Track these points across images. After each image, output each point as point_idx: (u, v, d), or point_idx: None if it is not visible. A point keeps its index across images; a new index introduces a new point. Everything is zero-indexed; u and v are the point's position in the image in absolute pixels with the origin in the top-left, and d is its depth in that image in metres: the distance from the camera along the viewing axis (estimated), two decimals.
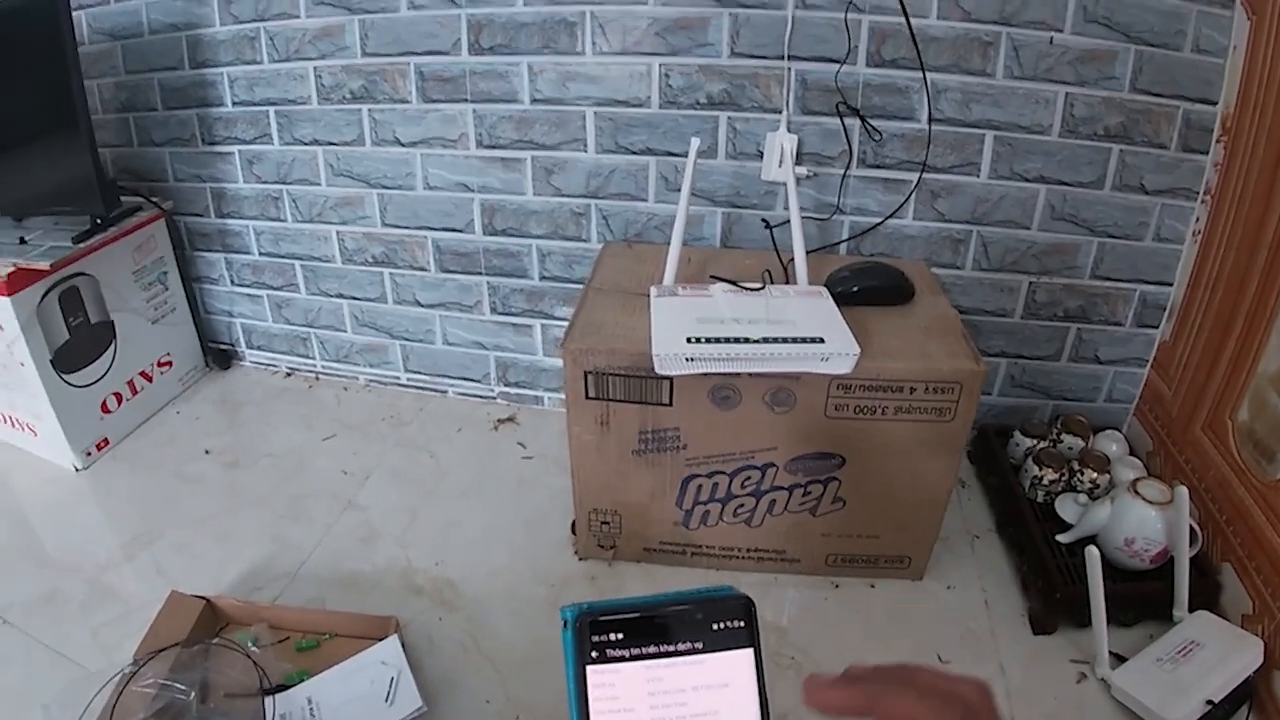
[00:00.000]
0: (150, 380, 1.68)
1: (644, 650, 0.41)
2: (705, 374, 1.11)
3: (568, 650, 0.41)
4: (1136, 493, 1.22)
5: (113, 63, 1.64)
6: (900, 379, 1.12)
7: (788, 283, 1.29)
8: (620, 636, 0.41)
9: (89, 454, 1.57)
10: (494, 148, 1.49)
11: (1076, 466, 1.38)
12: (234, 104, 1.59)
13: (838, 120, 1.37)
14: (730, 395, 1.15)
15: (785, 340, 1.09)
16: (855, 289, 1.26)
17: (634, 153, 1.44)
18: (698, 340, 1.09)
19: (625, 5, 1.35)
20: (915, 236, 1.45)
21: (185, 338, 1.77)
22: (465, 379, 1.75)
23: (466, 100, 1.46)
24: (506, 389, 1.75)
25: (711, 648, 0.42)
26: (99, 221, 1.51)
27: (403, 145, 1.52)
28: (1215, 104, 1.30)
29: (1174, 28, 1.26)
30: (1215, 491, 1.28)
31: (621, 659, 0.41)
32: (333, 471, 1.53)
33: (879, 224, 1.44)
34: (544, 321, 1.65)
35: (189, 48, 1.57)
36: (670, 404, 1.16)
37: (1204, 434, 1.32)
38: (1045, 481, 1.37)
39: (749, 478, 1.22)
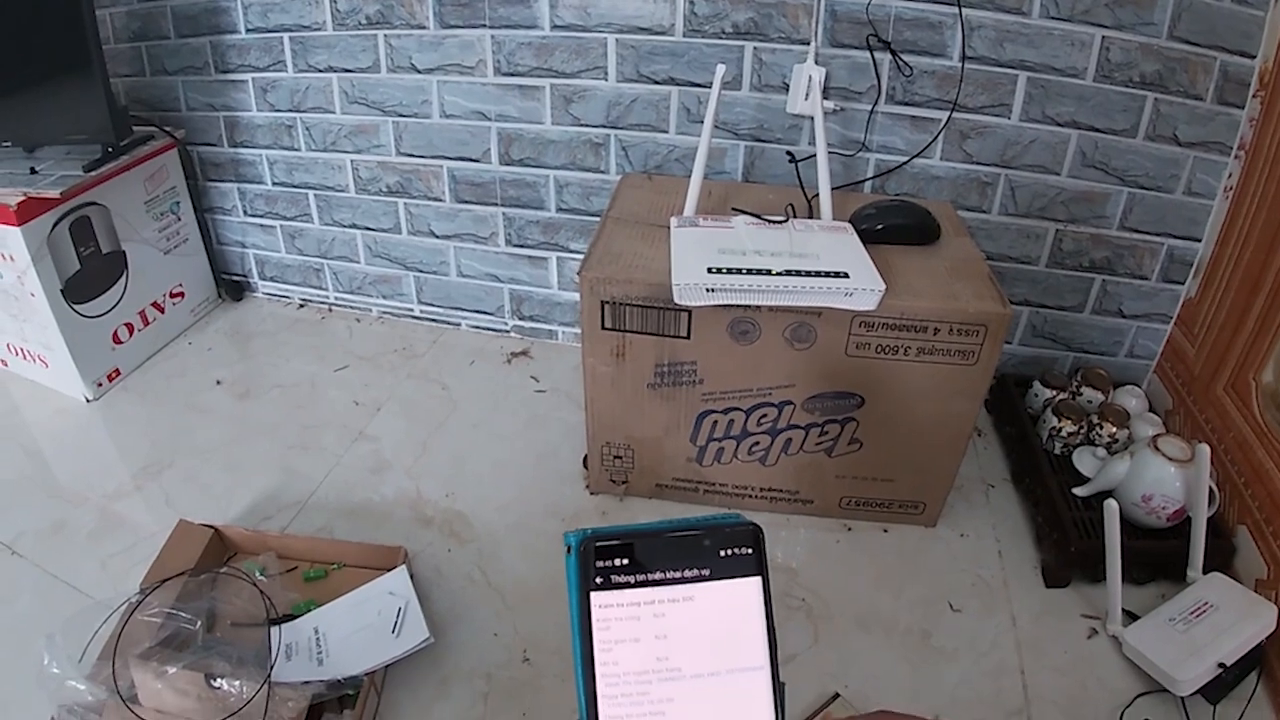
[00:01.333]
0: (162, 311, 1.64)
1: (649, 576, 0.39)
2: (725, 306, 1.06)
3: (571, 575, 0.39)
4: (1157, 449, 1.17)
5: None
6: (924, 318, 1.07)
7: (811, 218, 1.23)
8: (625, 562, 0.39)
9: (100, 385, 1.53)
10: (512, 75, 1.42)
11: (1095, 420, 1.33)
12: (248, 31, 1.52)
13: (867, 54, 1.29)
14: (750, 329, 1.09)
15: (809, 274, 1.04)
16: (880, 226, 1.20)
17: (656, 82, 1.38)
18: (719, 271, 1.04)
19: None
20: (942, 177, 1.38)
21: (197, 269, 1.72)
22: (479, 311, 1.71)
23: (485, 26, 1.39)
24: (521, 322, 1.70)
25: (718, 574, 0.39)
26: (110, 150, 1.45)
27: (419, 72, 1.46)
28: (1254, 57, 1.22)
29: None
30: (1235, 453, 1.23)
31: (626, 585, 0.38)
32: (344, 402, 1.49)
33: (905, 163, 1.37)
34: (560, 254, 1.60)
35: None
36: (688, 337, 1.11)
37: (1226, 394, 1.27)
38: (1063, 433, 1.32)
39: (765, 415, 1.18)
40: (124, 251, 1.53)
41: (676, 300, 1.04)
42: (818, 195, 1.22)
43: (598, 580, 0.38)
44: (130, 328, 1.57)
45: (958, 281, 1.12)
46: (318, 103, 1.55)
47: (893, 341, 1.09)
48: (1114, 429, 1.31)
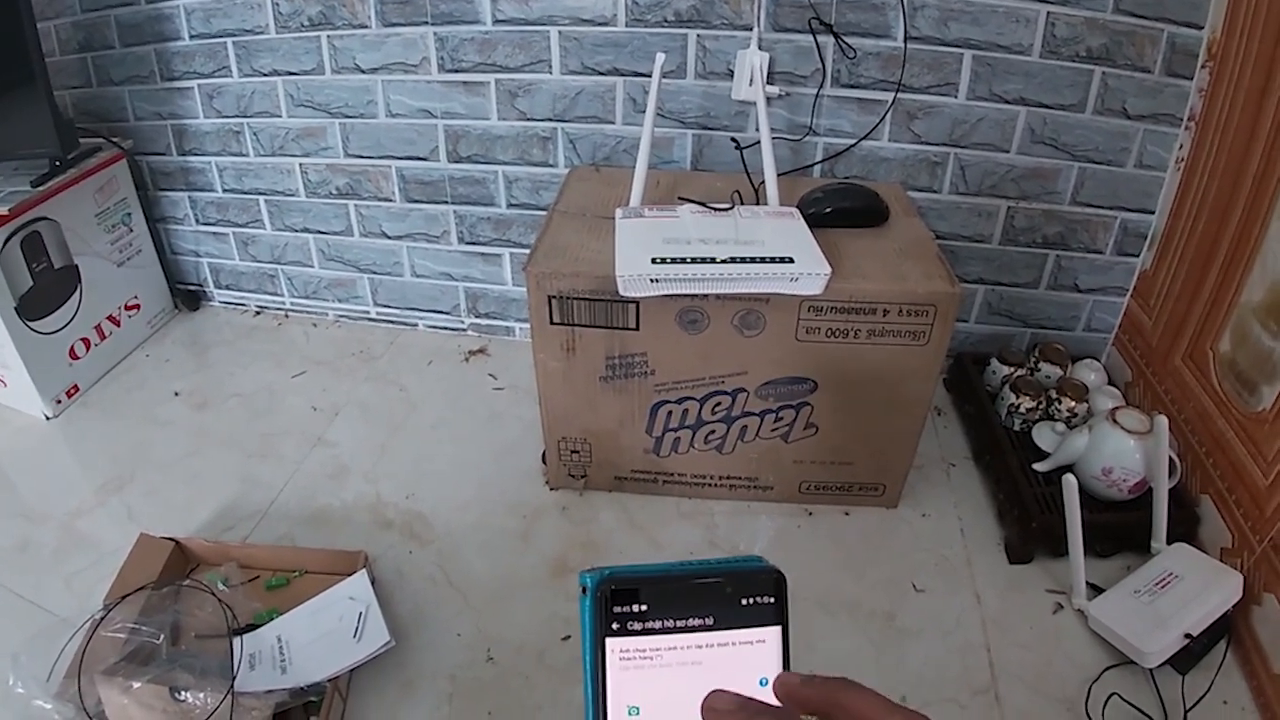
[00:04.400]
0: (118, 324, 1.61)
1: (667, 623, 0.37)
2: (671, 296, 1.04)
3: (586, 619, 0.37)
4: (1115, 422, 1.17)
5: (67, 2, 1.54)
6: (873, 300, 1.06)
7: (759, 204, 1.22)
8: (643, 608, 0.37)
9: (59, 401, 1.50)
10: (456, 71, 1.40)
11: (1054, 395, 1.33)
12: (191, 37, 1.49)
13: (810, 38, 1.28)
14: (698, 318, 1.08)
15: (754, 260, 1.03)
16: (828, 210, 1.19)
17: (600, 73, 1.36)
18: (663, 261, 1.02)
19: None
20: (891, 159, 1.37)
21: (152, 280, 1.69)
22: (435, 311, 1.69)
23: (427, 23, 1.36)
24: (477, 320, 1.68)
25: (739, 623, 0.37)
26: (57, 164, 1.42)
27: (363, 72, 1.43)
28: (1201, 28, 1.22)
29: None
30: (1195, 423, 1.22)
31: (643, 631, 0.37)
32: (302, 409, 1.47)
33: (853, 145, 1.36)
34: (513, 250, 1.58)
35: None
36: (637, 328, 1.10)
37: (1184, 364, 1.27)
38: (1022, 409, 1.31)
39: (719, 403, 1.16)
40: (76, 266, 1.50)
41: (621, 292, 1.03)
42: (764, 182, 1.20)
43: (614, 626, 0.36)
44: (87, 343, 1.54)
45: (906, 262, 1.11)
46: (264, 107, 1.52)
47: (842, 325, 1.08)
48: (1073, 403, 1.31)
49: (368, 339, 1.68)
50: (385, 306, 1.71)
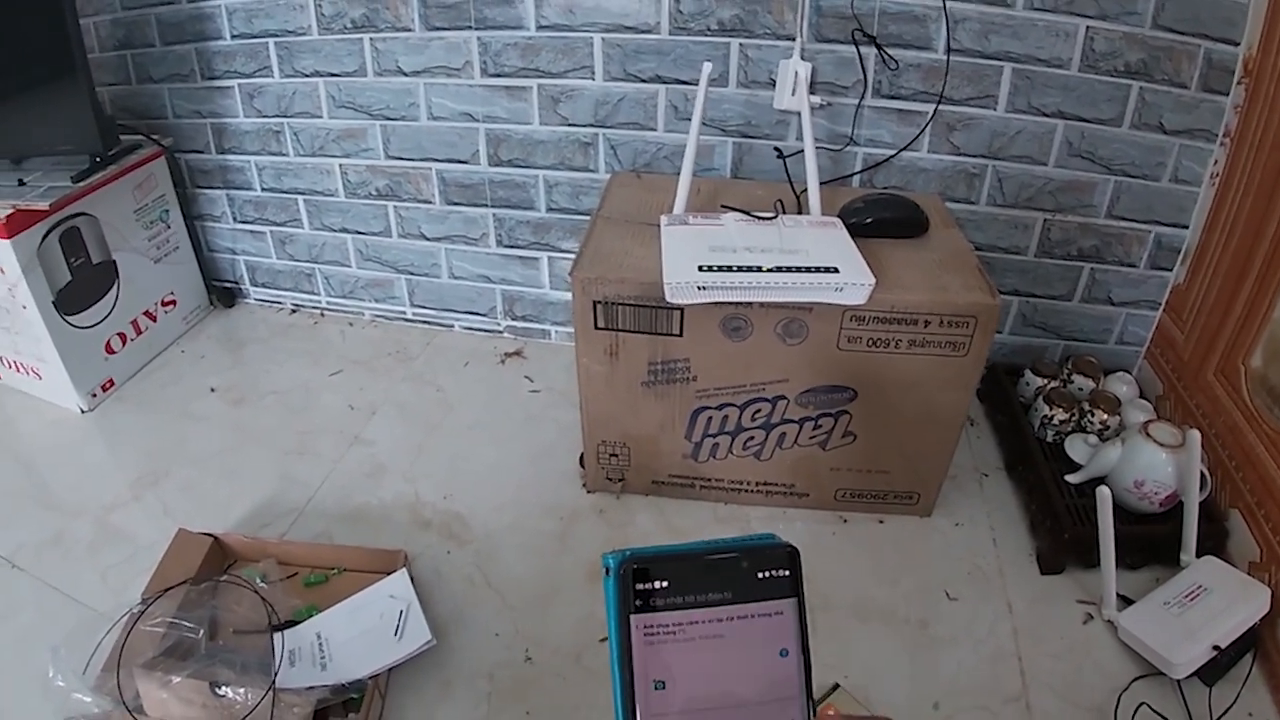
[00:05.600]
0: (154, 320, 1.64)
1: (688, 598, 0.39)
2: (717, 304, 1.07)
3: (610, 598, 0.40)
4: (1148, 435, 1.19)
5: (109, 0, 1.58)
6: (915, 311, 1.08)
7: (800, 213, 1.24)
8: (664, 584, 0.39)
9: (94, 395, 1.53)
10: (499, 76, 1.42)
11: (1087, 407, 1.35)
12: (233, 37, 1.52)
13: (852, 48, 1.30)
14: (742, 326, 1.10)
15: (799, 269, 1.05)
16: (869, 220, 1.21)
17: (643, 80, 1.38)
18: (710, 269, 1.05)
19: None
20: (930, 170, 1.39)
21: (188, 276, 1.73)
22: (472, 313, 1.71)
23: (471, 27, 1.39)
24: (514, 323, 1.71)
25: (756, 596, 0.40)
26: (98, 160, 1.45)
27: (406, 75, 1.46)
28: (1238, 44, 1.24)
29: None
30: (1225, 437, 1.24)
31: (666, 607, 0.39)
32: (339, 407, 1.50)
33: (893, 156, 1.38)
34: (551, 254, 1.60)
35: None
36: (680, 334, 1.12)
37: (1216, 379, 1.29)
38: (1055, 421, 1.34)
39: (759, 410, 1.19)
40: (114, 261, 1.53)
41: (669, 299, 1.05)
42: (806, 191, 1.23)
43: (638, 603, 0.39)
44: (123, 337, 1.57)
45: (947, 274, 1.13)
46: (305, 108, 1.55)
47: (884, 335, 1.10)
48: (1105, 416, 1.33)
49: (404, 339, 1.70)
50: (422, 307, 1.74)
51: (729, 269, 1.05)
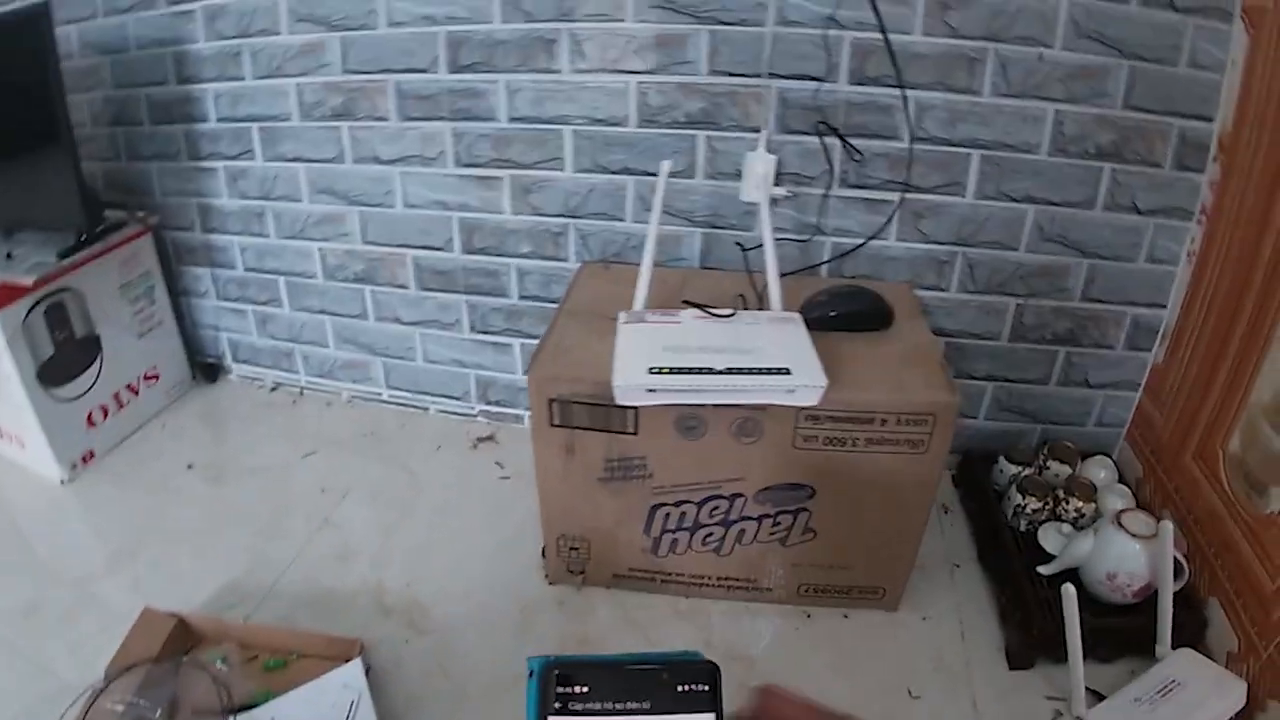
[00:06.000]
0: (136, 394, 1.67)
1: (607, 705, 0.41)
2: (670, 404, 1.08)
3: (531, 699, 0.42)
4: (1120, 525, 1.17)
5: (101, 77, 1.63)
6: (870, 410, 1.08)
7: (762, 308, 1.25)
8: (585, 689, 0.41)
9: (75, 466, 1.56)
10: (472, 166, 1.45)
11: (1062, 495, 1.33)
12: (218, 120, 1.57)
13: (818, 140, 1.32)
14: (696, 425, 1.11)
15: (750, 371, 1.05)
16: (832, 314, 1.22)
17: (612, 172, 1.40)
18: (660, 370, 1.05)
19: (603, 22, 1.31)
20: (899, 258, 1.40)
21: (172, 351, 1.75)
22: (446, 396, 1.72)
23: (445, 119, 1.42)
24: (487, 407, 1.71)
25: (675, 709, 0.41)
26: (83, 238, 1.49)
27: (382, 163, 1.50)
28: (1212, 121, 1.24)
29: (1169, 42, 1.20)
30: (1205, 523, 1.22)
31: (585, 712, 0.41)
32: (312, 488, 1.51)
33: (860, 246, 1.39)
34: (523, 340, 1.61)
35: (174, 63, 1.55)
36: (635, 433, 1.13)
37: (1194, 463, 1.27)
38: (1029, 510, 1.32)
39: (717, 507, 1.19)
40: (98, 335, 1.57)
41: (618, 400, 1.06)
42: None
43: (556, 705, 0.40)
44: (105, 410, 1.60)
45: (908, 369, 1.13)
46: (286, 191, 1.58)
47: (840, 433, 1.10)
48: (1080, 504, 1.31)
49: (379, 420, 1.71)
50: (398, 389, 1.75)
51: (680, 370, 1.05)
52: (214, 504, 1.49)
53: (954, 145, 1.30)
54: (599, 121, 1.37)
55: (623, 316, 1.18)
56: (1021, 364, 1.46)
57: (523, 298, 1.56)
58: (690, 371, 1.05)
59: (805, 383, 1.05)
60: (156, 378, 1.72)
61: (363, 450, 1.61)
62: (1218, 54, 1.20)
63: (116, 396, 1.63)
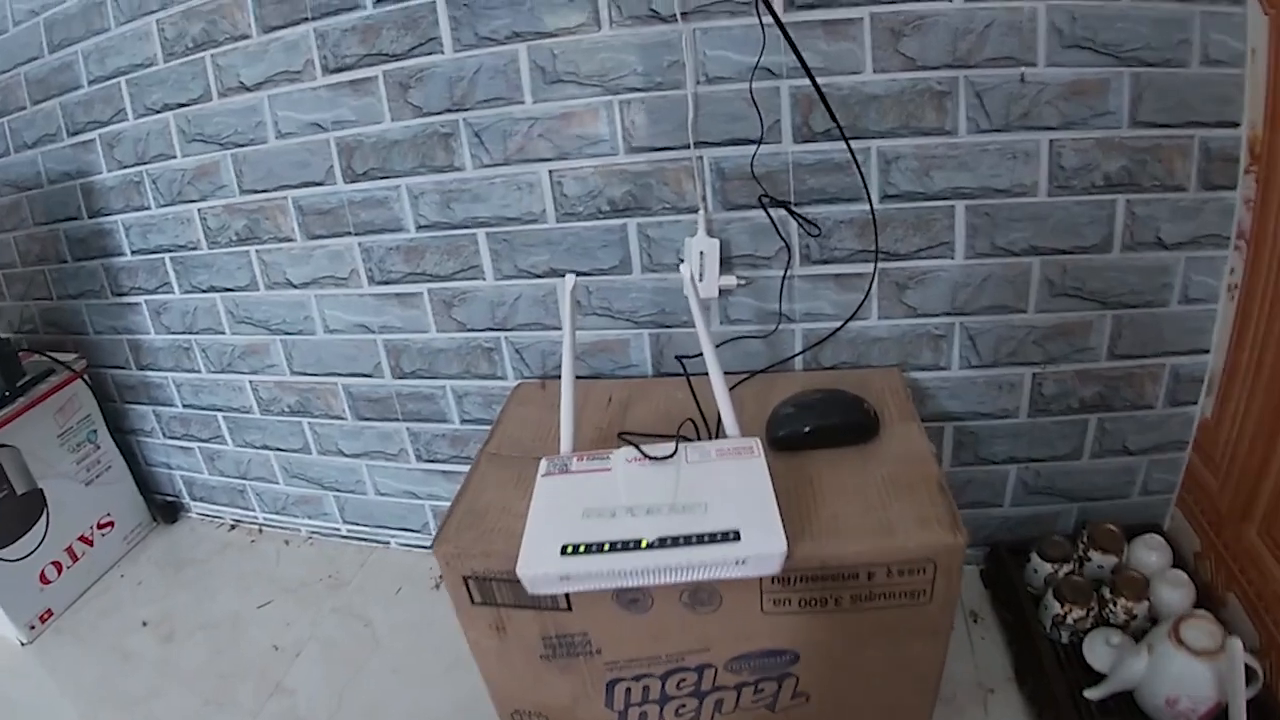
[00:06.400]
0: (91, 544, 1.48)
1: None
2: None
3: None
4: (1179, 640, 0.90)
5: (21, 215, 1.45)
6: (852, 565, 0.81)
7: (716, 434, 0.98)
8: None
9: (33, 627, 1.38)
10: (386, 283, 1.21)
11: (1108, 594, 1.04)
12: (132, 253, 1.37)
13: (766, 215, 1.04)
14: (639, 598, 0.85)
15: (689, 541, 0.79)
16: (804, 430, 0.95)
17: (537, 276, 1.15)
18: (575, 550, 0.80)
19: (498, 108, 1.06)
20: (885, 338, 1.11)
21: (124, 495, 1.56)
22: (404, 529, 1.47)
23: (350, 233, 1.19)
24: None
25: None
26: (6, 394, 1.31)
27: (295, 287, 1.27)
28: (1238, 126, 0.95)
29: (1174, 38, 0.91)
30: (1277, 609, 0.94)
31: None
32: (264, 645, 1.29)
33: (835, 331, 1.10)
34: None
35: (84, 196, 1.36)
36: (569, 609, 0.87)
37: (1260, 539, 0.97)
38: (1070, 620, 1.03)
39: (684, 679, 0.92)
40: (41, 489, 1.38)
41: (529, 590, 0.81)
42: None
43: None
44: (58, 566, 1.42)
45: (897, 500, 0.86)
46: (207, 324, 1.37)
47: (818, 594, 0.83)
48: (1130, 603, 1.02)
49: (339, 559, 1.47)
50: (354, 524, 1.51)
51: (600, 548, 0.79)
52: (166, 666, 1.28)
53: (932, 199, 1.02)
54: (513, 220, 1.12)
55: (543, 466, 0.92)
56: (1047, 440, 1.16)
57: (464, 422, 1.31)
58: (613, 548, 0.79)
59: (760, 550, 0.78)
60: (111, 525, 1.52)
61: (319, 598, 1.37)
62: (1234, 44, 0.92)
63: (70, 550, 1.44)
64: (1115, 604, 1.03)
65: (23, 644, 1.37)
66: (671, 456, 0.90)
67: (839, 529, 0.83)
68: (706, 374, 0.92)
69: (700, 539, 0.79)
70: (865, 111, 0.98)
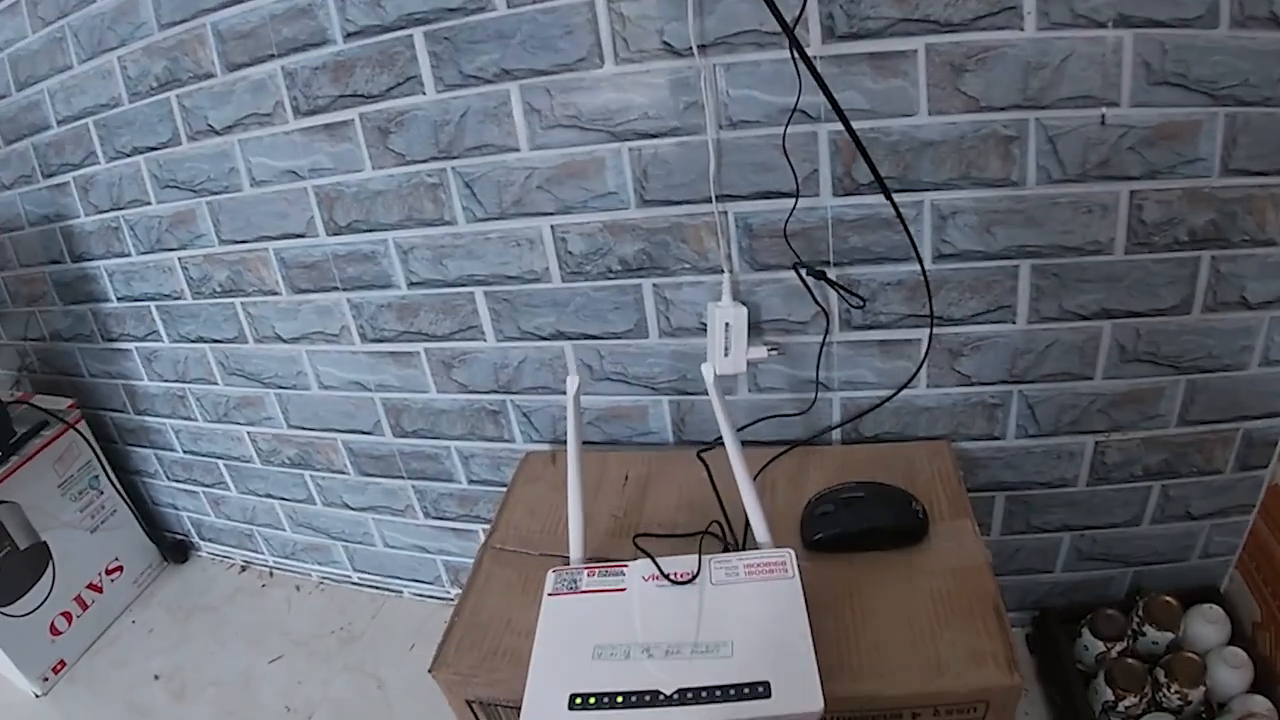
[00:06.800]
0: (100, 591, 1.36)
1: None
2: None
3: None
4: None
5: (7, 256, 1.30)
6: (896, 707, 0.68)
7: (744, 541, 0.82)
8: None
9: (46, 679, 1.27)
10: (380, 341, 1.05)
11: (1162, 678, 0.90)
12: (118, 299, 1.21)
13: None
14: None
15: (713, 696, 0.64)
16: (845, 533, 0.79)
17: (542, 338, 0.98)
18: (585, 703, 0.65)
19: (490, 155, 0.88)
20: (933, 408, 0.94)
21: (131, 539, 1.43)
22: (416, 580, 1.33)
23: (337, 288, 1.02)
24: (462, 589, 1.31)
25: None
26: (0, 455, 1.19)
27: (285, 341, 1.11)
28: None
29: (1276, 73, 0.72)
30: None
31: None
32: (276, 706, 1.17)
33: (882, 404, 0.93)
34: (485, 526, 1.20)
35: (64, 239, 1.21)
36: None
37: None
38: (1122, 709, 0.89)
39: None
40: (45, 542, 1.26)
41: None
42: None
43: None
44: (69, 616, 1.30)
45: (948, 627, 0.72)
46: (199, 374, 1.22)
47: None
48: (1185, 689, 0.88)
49: (351, 608, 1.33)
50: (365, 573, 1.37)
51: (613, 701, 0.65)
52: None
53: (993, 258, 0.84)
54: (513, 279, 0.95)
55: (550, 582, 0.78)
56: (1105, 509, 0.99)
57: (472, 482, 1.16)
58: (627, 702, 0.65)
59: (792, 709, 0.63)
60: (120, 570, 1.40)
61: (330, 654, 1.24)
62: None
63: (79, 599, 1.32)
64: (1170, 689, 0.89)
65: (37, 696, 1.27)
66: (694, 580, 0.75)
67: (883, 665, 0.69)
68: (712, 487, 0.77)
69: (726, 693, 0.65)
70: (918, 160, 0.80)
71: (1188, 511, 0.99)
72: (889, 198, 0.78)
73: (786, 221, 0.83)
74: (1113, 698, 0.90)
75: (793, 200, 0.83)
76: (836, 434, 0.96)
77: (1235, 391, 0.89)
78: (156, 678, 1.25)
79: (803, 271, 0.84)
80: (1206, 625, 0.96)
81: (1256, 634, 0.96)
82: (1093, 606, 1.00)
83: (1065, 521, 1.00)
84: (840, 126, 0.78)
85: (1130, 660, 0.93)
